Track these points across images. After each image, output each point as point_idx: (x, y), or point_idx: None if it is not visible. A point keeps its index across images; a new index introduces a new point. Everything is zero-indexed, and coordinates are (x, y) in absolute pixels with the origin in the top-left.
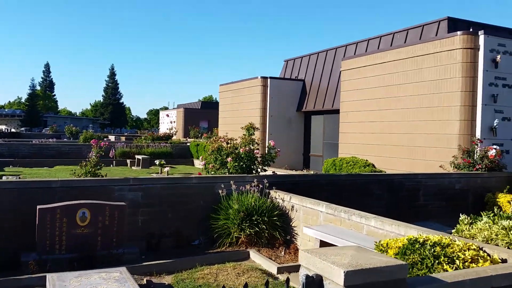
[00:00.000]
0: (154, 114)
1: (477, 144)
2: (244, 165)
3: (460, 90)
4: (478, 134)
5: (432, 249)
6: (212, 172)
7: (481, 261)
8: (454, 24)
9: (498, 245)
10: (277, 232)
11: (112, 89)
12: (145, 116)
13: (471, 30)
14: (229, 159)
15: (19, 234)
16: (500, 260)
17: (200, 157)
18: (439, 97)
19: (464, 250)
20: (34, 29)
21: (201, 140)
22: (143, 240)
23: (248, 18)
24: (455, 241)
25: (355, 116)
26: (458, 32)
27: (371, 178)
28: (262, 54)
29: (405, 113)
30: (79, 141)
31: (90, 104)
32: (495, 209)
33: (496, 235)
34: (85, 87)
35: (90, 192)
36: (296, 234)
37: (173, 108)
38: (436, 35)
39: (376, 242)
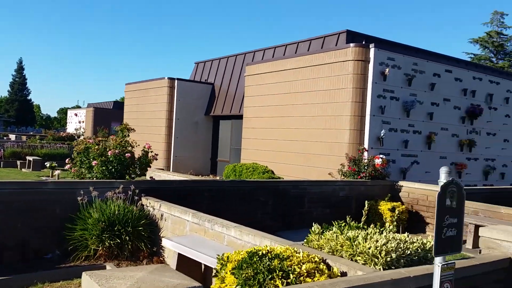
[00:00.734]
0: (65, 113)
1: (363, 153)
2: (113, 170)
3: (350, 100)
4: (366, 143)
5: (269, 263)
6: (75, 177)
7: (317, 275)
8: (352, 37)
9: (343, 257)
10: (143, 244)
11: (19, 84)
12: (56, 115)
13: (363, 43)
14: (94, 162)
15: None
16: (339, 274)
17: (66, 160)
18: (332, 106)
19: (303, 263)
20: None
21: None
22: None
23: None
24: (299, 252)
25: (257, 122)
26: (351, 44)
27: (256, 185)
28: (178, 56)
29: (302, 121)
30: None
31: None
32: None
33: (341, 246)
34: None
35: None
36: (164, 245)
37: (83, 107)
38: (336, 46)
39: (218, 255)
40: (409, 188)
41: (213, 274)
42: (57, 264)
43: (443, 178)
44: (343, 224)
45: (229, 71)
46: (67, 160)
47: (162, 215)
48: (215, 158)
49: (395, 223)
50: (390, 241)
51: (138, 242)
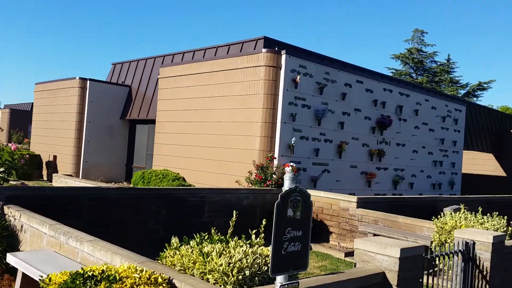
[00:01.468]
0: None
1: (271, 160)
2: None
3: (262, 107)
4: (277, 151)
5: (95, 287)
6: None
7: None
8: (269, 44)
9: (194, 275)
10: None
11: None
12: None
13: (276, 49)
14: None
15: None
16: None
17: None
18: (244, 112)
19: (137, 285)
20: None
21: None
22: None
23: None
24: (142, 271)
25: (170, 127)
26: (263, 50)
27: (147, 193)
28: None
29: (216, 127)
30: None
31: None
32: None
33: (194, 263)
34: None
35: None
36: (8, 262)
37: None
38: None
39: (41, 276)
40: (315, 197)
41: None
42: None
43: (286, 186)
44: (205, 237)
45: (147, 74)
46: None
47: (22, 226)
48: (131, 164)
49: None
50: (248, 256)
51: None
